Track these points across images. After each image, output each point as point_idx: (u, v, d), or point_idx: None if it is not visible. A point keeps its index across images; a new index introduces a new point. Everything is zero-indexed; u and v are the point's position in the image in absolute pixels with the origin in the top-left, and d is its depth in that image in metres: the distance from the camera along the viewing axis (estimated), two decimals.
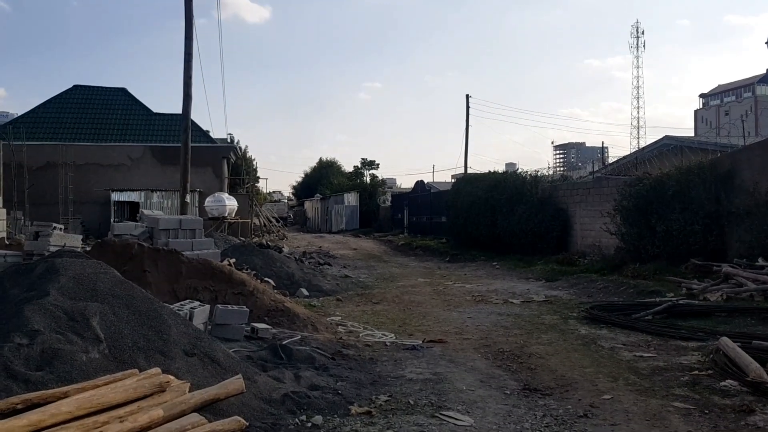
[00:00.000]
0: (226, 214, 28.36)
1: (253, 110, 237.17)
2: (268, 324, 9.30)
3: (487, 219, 24.29)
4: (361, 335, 9.44)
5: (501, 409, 5.72)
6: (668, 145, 21.55)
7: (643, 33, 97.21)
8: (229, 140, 54.56)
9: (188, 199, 16.71)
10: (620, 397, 6.06)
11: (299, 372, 6.48)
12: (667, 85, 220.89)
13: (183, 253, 11.31)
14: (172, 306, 7.96)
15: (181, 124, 17.71)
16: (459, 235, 27.45)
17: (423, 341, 9.05)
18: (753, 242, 13.36)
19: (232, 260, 14.13)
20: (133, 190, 28.48)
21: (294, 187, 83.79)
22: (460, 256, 24.60)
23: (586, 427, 5.23)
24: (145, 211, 14.67)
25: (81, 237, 11.31)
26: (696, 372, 6.80)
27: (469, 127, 36.99)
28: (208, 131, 34.71)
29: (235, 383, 5.09)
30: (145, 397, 4.51)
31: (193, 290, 9.89)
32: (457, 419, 5.33)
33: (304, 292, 14.29)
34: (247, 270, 13.86)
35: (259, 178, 68.81)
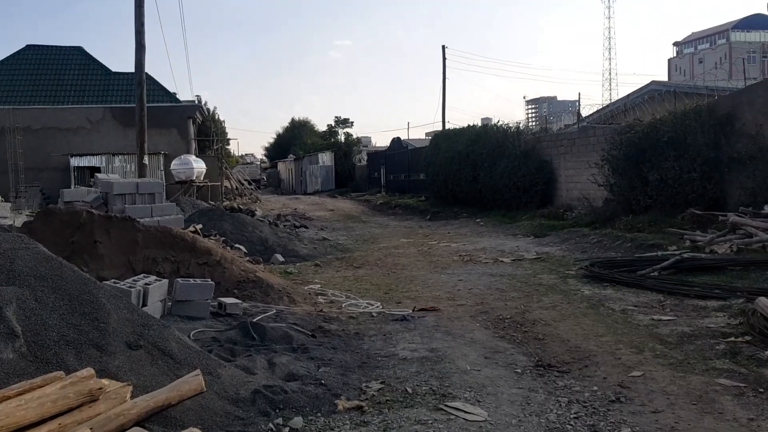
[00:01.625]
0: (194, 178, 26.98)
1: (221, 72, 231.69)
2: (238, 297, 8.25)
3: (468, 174, 23.35)
4: (343, 305, 8.46)
5: (516, 395, 4.79)
6: (656, 91, 20.62)
7: None
8: (196, 102, 52.71)
9: (146, 160, 15.41)
10: (653, 374, 5.17)
11: (274, 357, 5.47)
12: (639, 35, 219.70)
13: (140, 220, 10.17)
14: (123, 282, 6.90)
15: (144, 83, 16.23)
16: (439, 192, 26.50)
17: (413, 310, 8.10)
18: (756, 189, 12.56)
19: (199, 226, 12.99)
20: (93, 155, 26.88)
21: (266, 149, 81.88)
22: (442, 213, 23.69)
23: (623, 416, 4.32)
24: (100, 175, 13.43)
25: (10, 206, 10.07)
26: (732, 339, 5.93)
27: (446, 81, 35.71)
28: (175, 94, 33.06)
29: (191, 382, 4.07)
30: (70, 410, 3.47)
31: (151, 262, 8.79)
32: (467, 412, 4.39)
33: (279, 258, 13.25)
34: (215, 236, 12.75)
35: (229, 140, 67.03)
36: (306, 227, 21.42)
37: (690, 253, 10.76)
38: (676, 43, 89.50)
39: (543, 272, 10.76)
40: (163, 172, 27.72)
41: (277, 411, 4.29)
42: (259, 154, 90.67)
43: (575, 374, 5.32)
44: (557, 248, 13.53)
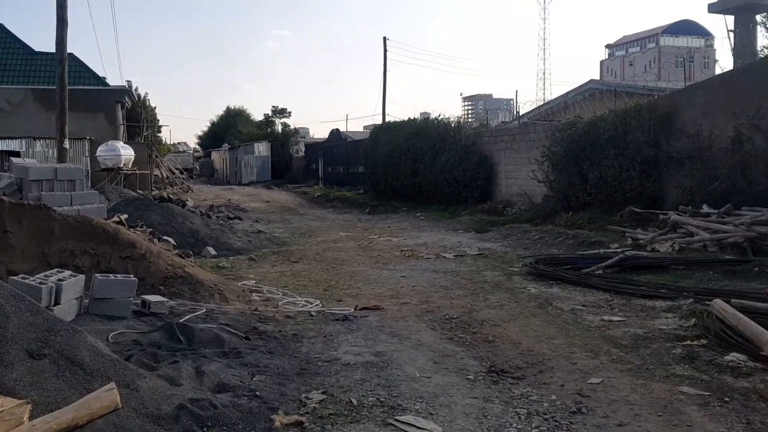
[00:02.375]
0: (122, 165, 25.66)
1: (155, 59, 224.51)
2: (164, 295, 7.60)
3: (408, 168, 23.06)
4: (280, 304, 7.93)
5: (471, 406, 4.40)
6: (594, 90, 20.79)
7: None
8: (127, 86, 50.53)
9: (67, 145, 14.35)
10: (612, 381, 4.87)
11: (202, 364, 4.90)
12: (572, 37, 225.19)
13: (57, 209, 9.33)
14: (34, 278, 6.17)
15: (66, 61, 15.10)
16: (378, 185, 26.13)
17: (355, 309, 7.65)
18: (694, 188, 12.66)
19: (123, 216, 12.12)
20: (12, 138, 25.14)
21: (200, 137, 79.62)
22: (381, 207, 23.32)
23: (587, 430, 3.98)
24: (15, 159, 12.36)
25: None
26: (688, 342, 5.73)
27: (387, 73, 35.32)
28: (105, 78, 31.41)
29: (104, 398, 3.50)
30: None
31: (69, 254, 8.01)
32: (419, 428, 3.96)
33: (211, 251, 12.55)
34: (141, 228, 11.94)
35: (160, 127, 64.75)
36: (240, 219, 20.67)
37: (632, 251, 10.69)
38: (608, 46, 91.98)
39: (487, 269, 10.49)
40: (88, 159, 26.27)
41: (205, 429, 3.75)
42: (193, 142, 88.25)
43: (531, 381, 4.97)
44: (499, 244, 13.33)
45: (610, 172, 14.23)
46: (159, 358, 5.21)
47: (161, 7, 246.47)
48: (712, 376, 4.89)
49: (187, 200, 21.81)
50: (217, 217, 20.45)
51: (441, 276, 9.90)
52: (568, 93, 22.01)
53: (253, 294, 8.43)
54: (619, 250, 10.93)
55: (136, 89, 51.29)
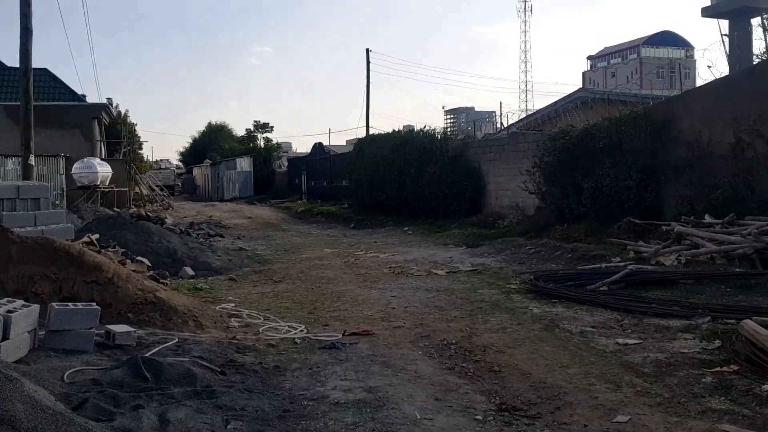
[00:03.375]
0: (99, 182, 24.82)
1: (136, 77, 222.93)
2: (133, 323, 6.88)
3: (394, 181, 22.46)
4: (261, 330, 7.22)
5: None
6: (583, 98, 20.38)
7: None
8: (105, 102, 49.58)
9: (32, 161, 13.58)
10: (642, 419, 4.24)
11: (168, 410, 4.21)
12: (554, 48, 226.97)
13: (18, 230, 8.60)
14: None
15: (31, 72, 14.33)
16: (363, 199, 25.50)
17: (343, 334, 6.97)
18: (693, 197, 12.18)
19: (95, 236, 11.38)
20: None
21: (182, 154, 78.65)
22: (366, 222, 22.65)
23: None
24: None
25: None
26: (717, 369, 5.11)
27: (370, 85, 34.81)
28: (84, 96, 30.62)
29: None
30: None
31: (27, 280, 7.27)
32: None
33: (189, 271, 11.82)
34: (113, 248, 11.20)
35: (141, 143, 63.77)
36: (221, 236, 19.93)
37: (635, 264, 10.12)
38: (590, 57, 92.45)
39: (482, 286, 9.86)
40: (63, 176, 25.41)
41: None
42: (175, 159, 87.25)
43: (548, 420, 4.33)
44: (493, 259, 12.71)
45: (606, 181, 13.72)
46: (119, 401, 4.51)
47: (143, 26, 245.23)
48: (753, 410, 4.28)
49: (166, 218, 21.03)
50: (197, 234, 19.71)
51: (434, 295, 9.25)
52: (556, 102, 21.58)
53: (232, 319, 7.72)
54: (622, 264, 10.36)
55: (116, 106, 50.49)
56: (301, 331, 7.19)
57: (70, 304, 6.04)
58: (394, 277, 11.16)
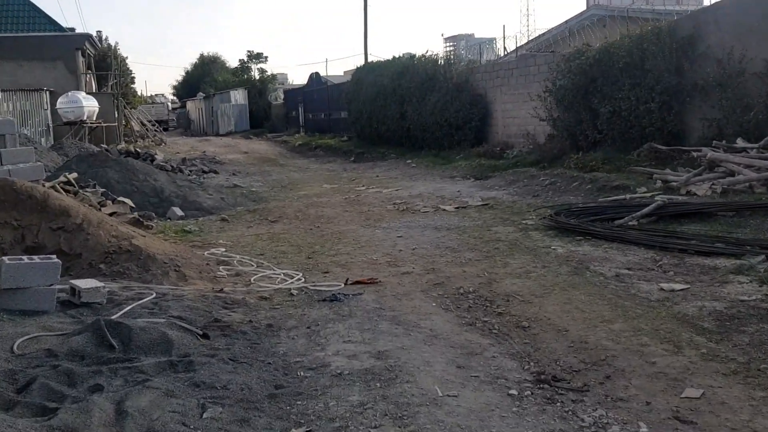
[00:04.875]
0: (85, 117, 23.64)
1: (126, 7, 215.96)
2: (105, 275, 6.07)
3: (395, 111, 21.34)
4: (253, 279, 6.40)
5: None
6: (596, 16, 18.98)
7: None
8: (89, 33, 47.55)
9: None
10: (718, 393, 3.44)
11: (129, 395, 3.39)
12: None
13: None
14: None
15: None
16: (363, 131, 24.42)
17: (346, 283, 6.16)
18: (723, 121, 11.15)
19: (72, 176, 10.46)
20: None
21: (175, 88, 76.58)
22: (367, 154, 21.68)
23: None
24: None
25: None
26: None
27: (368, 8, 32.97)
28: (73, 29, 28.97)
29: None
30: None
31: None
32: None
33: (178, 212, 10.95)
34: (92, 188, 10.30)
35: (133, 77, 61.83)
36: (216, 172, 19.00)
37: (664, 195, 9.24)
38: None
39: (496, 223, 9.00)
40: (48, 112, 24.22)
41: None
42: (170, 94, 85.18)
43: (599, 395, 3.52)
44: (504, 192, 11.82)
45: (625, 105, 12.66)
46: (75, 379, 3.72)
47: None
48: None
49: (156, 154, 20.02)
50: (190, 171, 18.76)
51: (444, 234, 8.40)
52: (568, 21, 20.15)
53: (221, 267, 6.89)
54: (648, 194, 9.48)
55: (105, 38, 48.47)
56: (299, 280, 6.37)
57: (24, 257, 5.18)
58: (398, 214, 10.29)
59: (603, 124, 13.30)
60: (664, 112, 12.21)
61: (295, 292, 5.92)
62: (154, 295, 5.50)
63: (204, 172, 18.94)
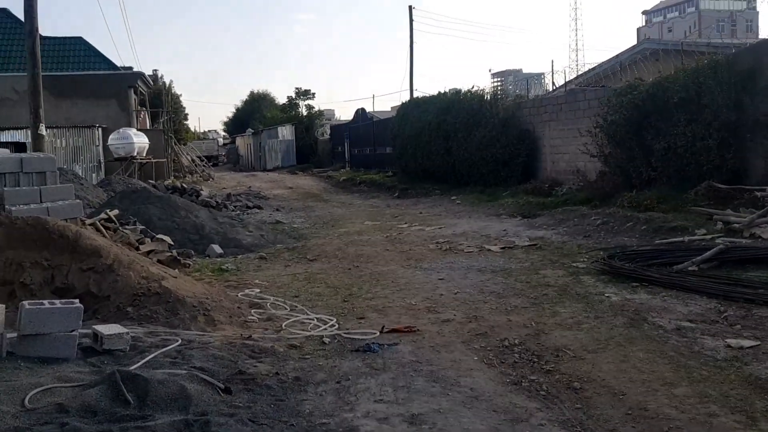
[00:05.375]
0: (135, 153, 24.10)
1: (182, 48, 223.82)
2: (132, 318, 5.84)
3: (440, 146, 21.04)
4: (284, 325, 6.07)
5: None
6: (648, 50, 18.46)
7: None
8: (156, 76, 49.04)
9: (43, 130, 12.66)
10: None
11: None
12: (603, 7, 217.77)
13: (16, 207, 7.68)
14: None
15: (38, 33, 12.87)
16: (407, 166, 24.17)
17: (381, 330, 5.78)
18: None
19: (113, 213, 10.43)
20: (18, 129, 23.71)
21: (225, 123, 78.35)
22: (411, 190, 21.38)
23: None
24: None
25: None
26: None
27: (413, 45, 33.12)
28: (131, 68, 29.82)
29: None
30: None
31: (16, 268, 6.28)
32: None
33: (217, 249, 10.79)
34: (132, 225, 10.23)
35: (186, 114, 63.51)
36: (260, 207, 18.99)
37: (725, 238, 8.64)
38: (645, 12, 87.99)
39: (545, 265, 8.52)
40: (100, 148, 24.77)
41: None
42: (221, 130, 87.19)
43: None
44: (553, 232, 11.31)
45: (681, 141, 12.09)
46: None
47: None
48: None
49: (201, 189, 20.16)
50: (235, 206, 18.83)
51: (489, 277, 7.96)
52: (619, 55, 19.68)
53: (252, 311, 6.60)
54: (709, 237, 8.89)
55: (161, 77, 49.94)
56: (332, 326, 6.02)
57: (46, 302, 4.97)
58: (441, 254, 9.90)
59: (657, 161, 12.73)
60: (722, 149, 11.60)
61: (327, 340, 5.57)
62: (179, 342, 5.23)
63: (248, 207, 18.96)
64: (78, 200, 8.90)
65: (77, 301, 5.07)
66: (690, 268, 7.35)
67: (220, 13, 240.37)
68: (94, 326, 5.19)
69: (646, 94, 12.85)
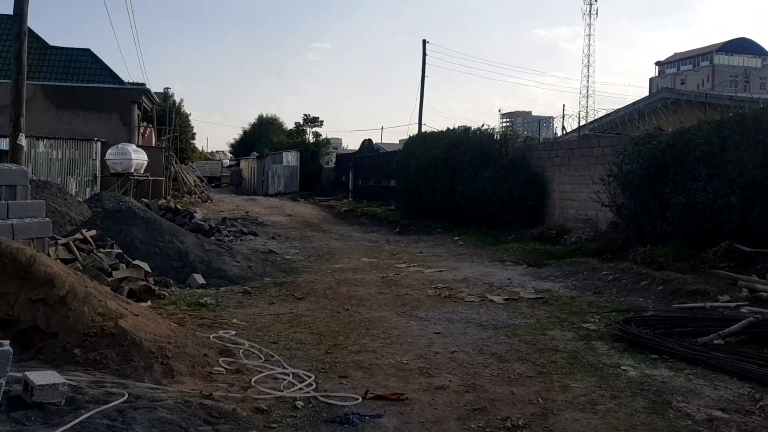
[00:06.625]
0: (133, 170, 23.49)
1: (197, 68, 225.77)
2: (78, 363, 5.07)
3: (446, 184, 20.36)
4: (254, 380, 5.28)
5: None
6: (667, 99, 17.89)
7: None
8: (167, 94, 48.81)
9: (23, 141, 12.00)
10: None
11: None
12: (614, 56, 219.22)
13: None
14: None
15: (26, 36, 12.15)
16: (411, 201, 23.49)
17: (365, 395, 5.00)
18: None
19: (90, 233, 9.72)
20: (5, 137, 23.13)
21: (232, 146, 78.07)
22: (413, 227, 20.66)
23: None
24: None
25: None
26: None
27: (425, 79, 32.70)
28: (144, 84, 29.44)
29: None
30: None
31: None
32: None
33: (198, 279, 10.05)
34: (109, 248, 9.50)
35: (194, 133, 63.26)
36: (255, 234, 18.30)
37: (749, 306, 7.88)
38: (658, 63, 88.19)
39: (553, 324, 7.74)
40: (97, 162, 24.21)
41: None
42: (227, 151, 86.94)
43: None
44: (561, 285, 10.53)
45: (701, 197, 11.37)
46: None
47: (208, 20, 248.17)
48: None
49: (195, 212, 19.46)
50: (229, 231, 18.14)
51: (491, 335, 7.18)
52: (635, 103, 19.12)
53: (221, 359, 5.81)
54: (733, 304, 8.12)
55: (172, 95, 49.74)
56: (309, 385, 5.24)
57: None
58: (439, 302, 9.13)
59: (674, 215, 11.99)
60: (746, 208, 10.87)
61: (300, 404, 4.79)
62: (125, 397, 4.45)
63: (243, 233, 18.26)
64: (47, 219, 8.17)
65: (7, 343, 4.31)
66: (716, 341, 6.58)
67: (238, 37, 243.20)
68: (26, 372, 4.42)
69: (666, 144, 12.19)
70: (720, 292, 8.74)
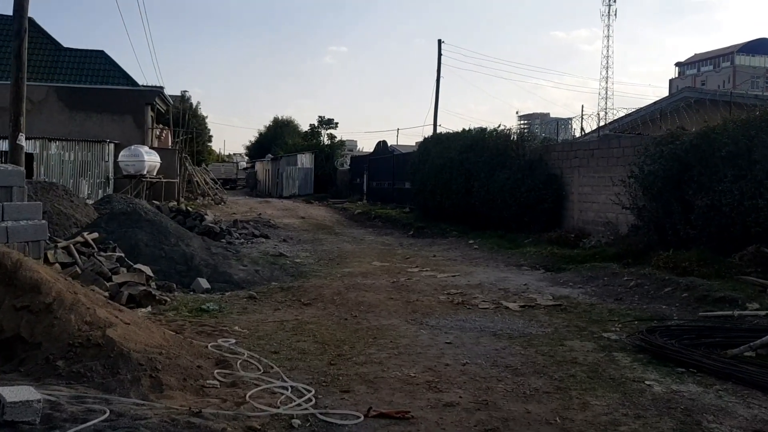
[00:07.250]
0: (145, 172, 23.32)
1: (214, 72, 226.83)
2: (61, 375, 4.75)
3: (461, 186, 19.93)
4: (249, 395, 4.93)
5: None
6: (690, 99, 17.35)
7: (615, 0, 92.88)
8: (184, 97, 48.89)
9: (22, 141, 11.73)
10: None
11: None
12: (633, 58, 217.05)
13: None
14: None
15: (26, 33, 11.67)
16: (425, 203, 23.07)
17: (367, 413, 4.64)
18: None
19: (92, 235, 9.44)
20: (27, 139, 23.08)
21: (248, 148, 78.10)
22: (427, 229, 20.26)
23: None
24: None
25: None
26: None
27: (440, 79, 32.30)
28: (162, 88, 29.34)
29: None
30: None
31: None
32: None
33: (203, 284, 9.74)
34: (110, 251, 9.21)
35: (211, 136, 63.36)
36: (266, 237, 18.00)
37: None
38: (678, 64, 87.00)
39: (571, 333, 7.31)
40: (110, 164, 24.08)
41: None
42: (244, 153, 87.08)
43: None
44: (580, 291, 10.09)
45: (727, 199, 10.86)
46: None
47: (225, 23, 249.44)
48: None
49: (206, 214, 19.18)
50: (240, 233, 17.86)
51: (506, 345, 6.78)
52: (657, 102, 18.59)
53: (216, 371, 5.46)
54: (763, 313, 7.63)
55: (189, 98, 49.77)
56: (308, 400, 4.88)
57: None
58: (452, 308, 8.73)
59: (698, 218, 11.49)
60: None
61: (297, 422, 4.43)
62: (107, 414, 4.11)
63: (254, 236, 17.98)
64: (44, 221, 7.90)
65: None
66: (747, 353, 6.13)
67: (257, 41, 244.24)
68: (1, 386, 4.11)
69: (690, 144, 11.69)
70: (749, 299, 8.25)
